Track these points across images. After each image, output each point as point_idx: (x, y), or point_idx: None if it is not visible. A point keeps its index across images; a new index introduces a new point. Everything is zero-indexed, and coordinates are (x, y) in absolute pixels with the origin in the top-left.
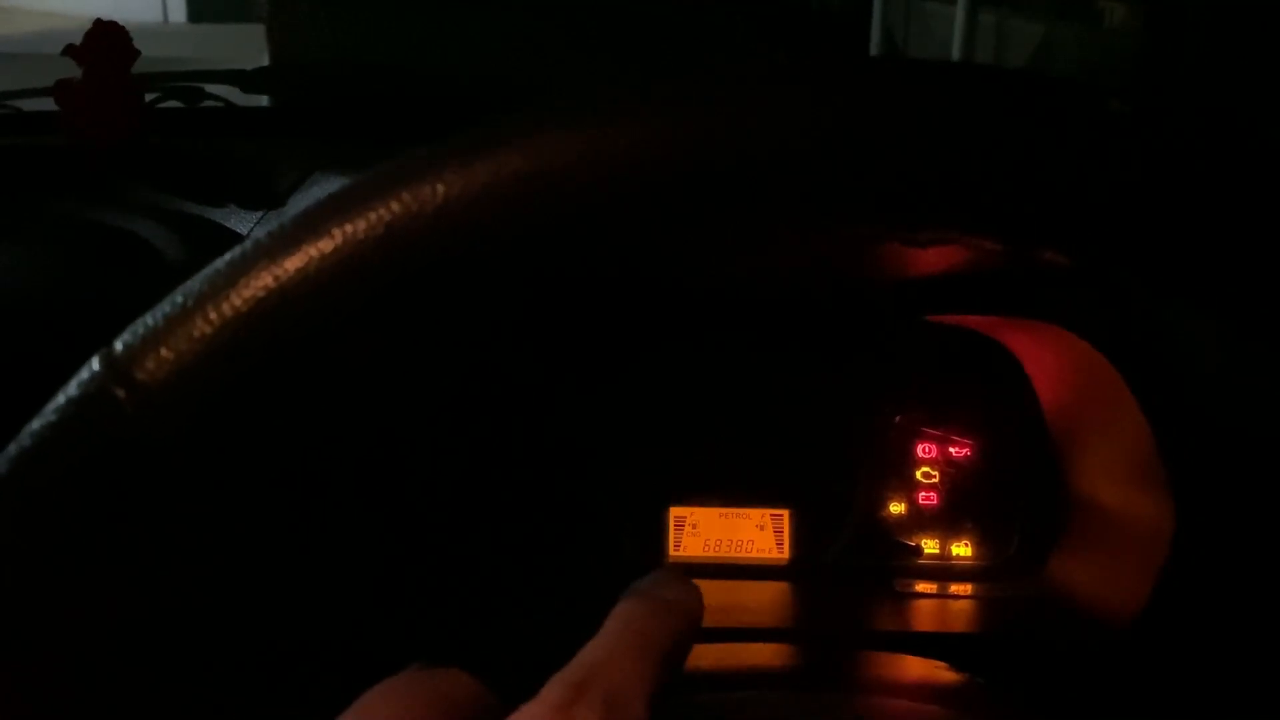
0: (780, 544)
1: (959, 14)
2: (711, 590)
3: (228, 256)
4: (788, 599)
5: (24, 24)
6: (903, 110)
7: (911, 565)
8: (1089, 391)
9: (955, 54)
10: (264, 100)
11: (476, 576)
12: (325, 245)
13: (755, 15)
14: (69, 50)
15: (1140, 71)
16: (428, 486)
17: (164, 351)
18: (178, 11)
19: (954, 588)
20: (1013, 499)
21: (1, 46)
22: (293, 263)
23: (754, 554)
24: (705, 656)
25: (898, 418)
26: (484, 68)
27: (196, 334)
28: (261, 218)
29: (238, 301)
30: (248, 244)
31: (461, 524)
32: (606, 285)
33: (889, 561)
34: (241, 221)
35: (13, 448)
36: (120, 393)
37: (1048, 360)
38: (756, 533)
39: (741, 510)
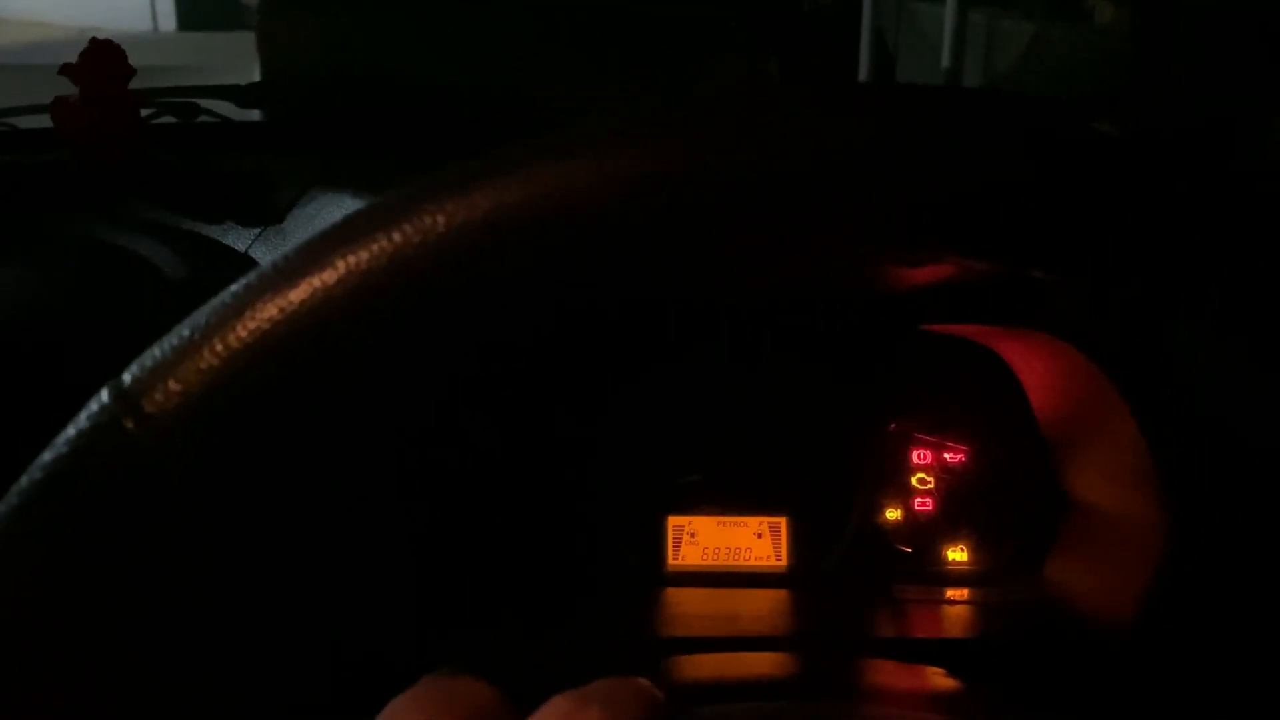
0: (778, 552)
1: (948, 14)
2: (711, 599)
3: (233, 288)
4: (786, 607)
5: (15, 34)
6: (903, 136)
7: (909, 571)
8: (1081, 397)
9: (945, 53)
10: (259, 115)
11: (475, 588)
12: (329, 276)
13: (747, 15)
14: (66, 69)
15: (1130, 70)
16: (427, 498)
17: (172, 384)
18: (168, 20)
19: (951, 593)
20: (1008, 504)
21: None
22: (297, 294)
23: (752, 562)
24: (704, 666)
25: (893, 425)
26: (474, 78)
27: (204, 366)
28: (259, 234)
29: (244, 334)
30: (252, 275)
31: (461, 535)
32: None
33: (886, 568)
34: (240, 238)
35: (24, 480)
36: (130, 424)
37: (1040, 367)
38: (754, 540)
39: (739, 519)
